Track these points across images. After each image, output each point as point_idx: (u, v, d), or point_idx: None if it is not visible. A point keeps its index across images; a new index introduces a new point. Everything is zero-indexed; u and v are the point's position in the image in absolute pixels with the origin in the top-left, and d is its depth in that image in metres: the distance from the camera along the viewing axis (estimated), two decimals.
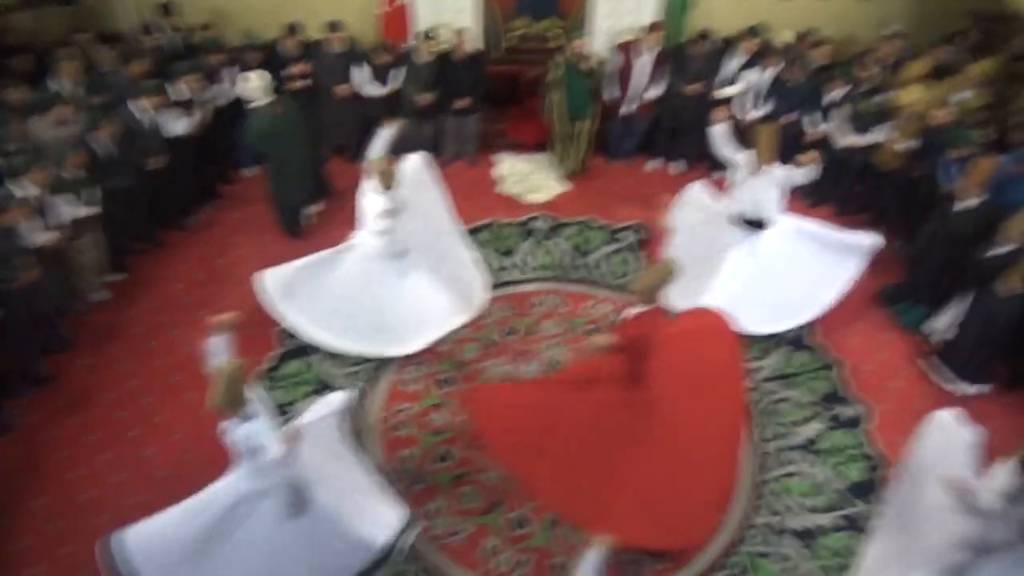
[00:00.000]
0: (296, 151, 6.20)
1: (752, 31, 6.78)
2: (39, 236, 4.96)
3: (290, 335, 5.47)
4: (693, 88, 6.87)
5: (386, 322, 5.28)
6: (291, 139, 6.18)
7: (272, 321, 5.67)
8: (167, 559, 3.62)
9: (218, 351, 3.68)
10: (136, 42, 6.88)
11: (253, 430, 3.42)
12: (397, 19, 7.24)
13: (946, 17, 6.96)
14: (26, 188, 4.94)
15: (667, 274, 3.88)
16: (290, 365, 5.32)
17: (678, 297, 4.62)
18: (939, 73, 6.46)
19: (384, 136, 5.24)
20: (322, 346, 5.35)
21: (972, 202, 5.23)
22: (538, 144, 7.56)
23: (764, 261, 5.45)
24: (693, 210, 5.80)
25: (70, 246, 5.46)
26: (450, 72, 6.95)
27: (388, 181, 4.97)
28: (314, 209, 6.72)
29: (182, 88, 6.16)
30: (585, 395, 4.35)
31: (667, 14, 7.25)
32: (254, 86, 5.87)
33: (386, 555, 4.10)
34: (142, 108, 5.88)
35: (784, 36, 6.99)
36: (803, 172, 5.32)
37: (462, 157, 7.55)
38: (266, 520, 3.67)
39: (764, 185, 5.27)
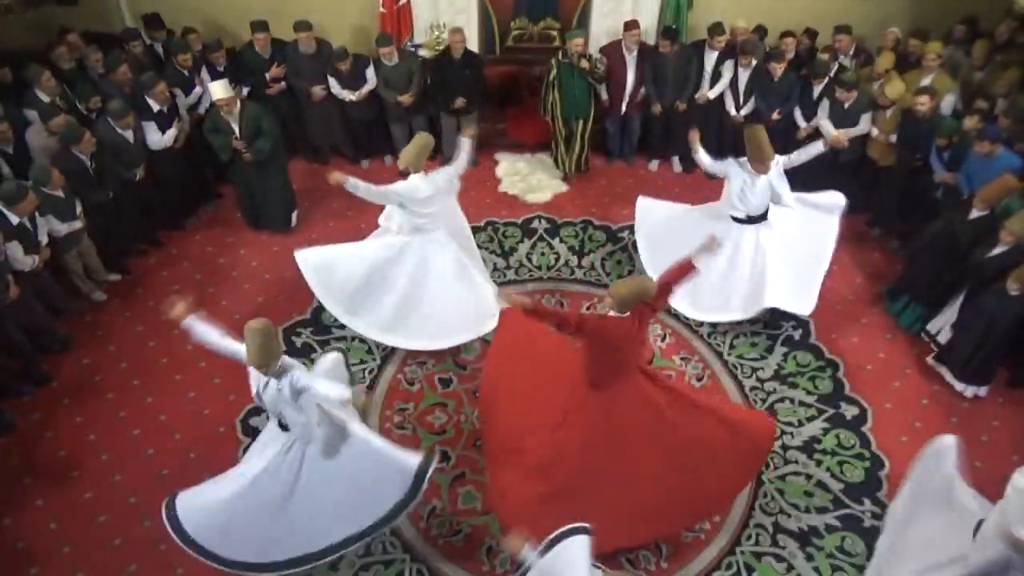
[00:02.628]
0: None
1: (716, 27, 6.74)
2: (22, 261, 4.94)
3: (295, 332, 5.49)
4: (658, 108, 7.01)
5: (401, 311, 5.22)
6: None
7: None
8: (214, 523, 3.75)
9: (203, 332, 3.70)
10: (124, 49, 6.58)
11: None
12: (396, 19, 7.22)
13: (945, 17, 6.96)
14: (11, 216, 4.88)
15: (643, 290, 3.77)
16: None
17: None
18: (904, 63, 6.46)
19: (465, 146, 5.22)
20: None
21: (983, 213, 5.18)
22: (538, 144, 7.56)
23: (760, 249, 5.39)
24: (661, 211, 5.84)
25: (63, 258, 5.48)
26: (447, 71, 6.93)
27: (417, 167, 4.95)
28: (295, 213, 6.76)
29: (151, 101, 5.99)
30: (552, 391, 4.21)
31: (666, 13, 7.22)
32: (221, 86, 5.88)
33: (420, 481, 3.93)
34: (123, 125, 5.73)
35: (738, 23, 6.93)
36: (806, 149, 5.31)
37: None
38: (299, 467, 3.74)
39: (766, 186, 5.18)
